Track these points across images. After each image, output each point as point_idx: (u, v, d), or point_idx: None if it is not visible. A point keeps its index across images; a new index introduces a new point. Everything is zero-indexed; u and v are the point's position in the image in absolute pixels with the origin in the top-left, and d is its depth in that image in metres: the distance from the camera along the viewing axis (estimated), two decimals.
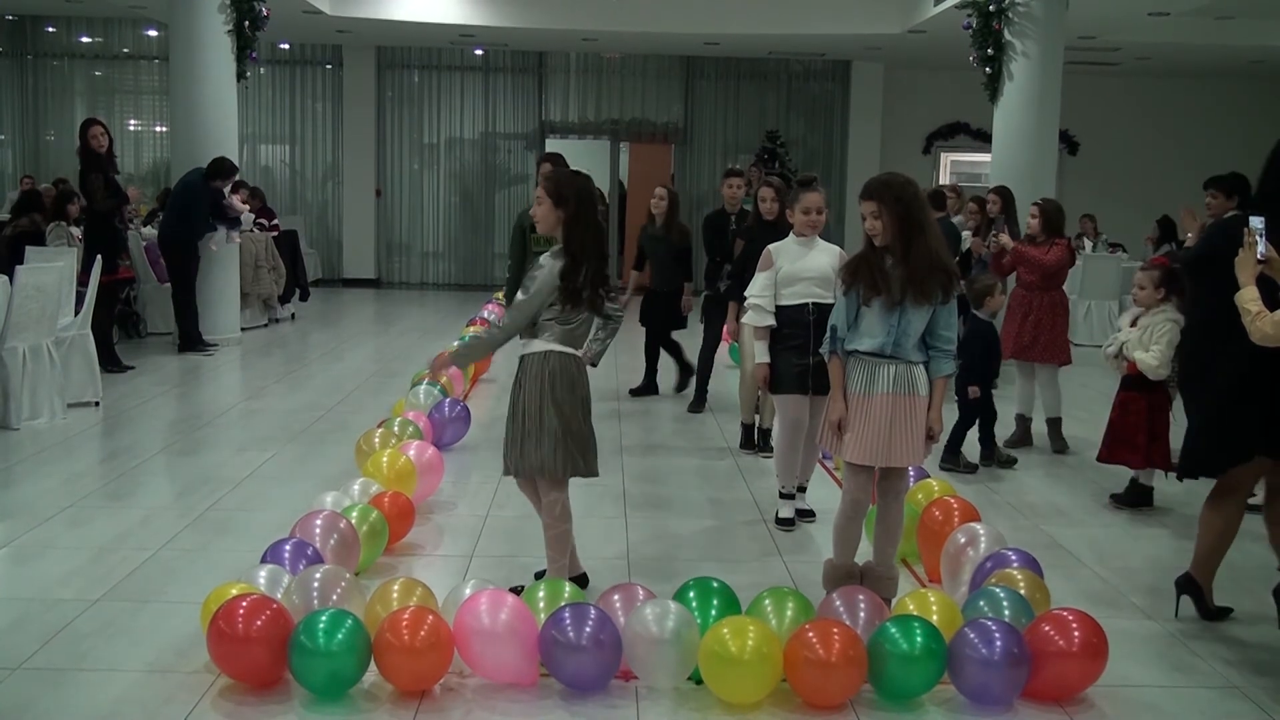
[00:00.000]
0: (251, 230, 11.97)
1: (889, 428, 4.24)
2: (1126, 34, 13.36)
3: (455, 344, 4.41)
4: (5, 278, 7.28)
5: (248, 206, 10.72)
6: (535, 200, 4.36)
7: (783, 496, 5.69)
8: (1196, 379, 6.67)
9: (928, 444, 4.34)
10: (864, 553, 4.62)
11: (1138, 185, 16.73)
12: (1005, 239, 7.78)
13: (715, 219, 8.08)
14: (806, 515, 5.75)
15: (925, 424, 4.28)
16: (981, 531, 4.61)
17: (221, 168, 10.32)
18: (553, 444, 4.24)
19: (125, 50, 16.73)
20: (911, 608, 3.92)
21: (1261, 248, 4.42)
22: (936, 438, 4.35)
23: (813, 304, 5.31)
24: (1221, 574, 5.12)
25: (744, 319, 5.70)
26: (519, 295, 4.30)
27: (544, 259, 4.27)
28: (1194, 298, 6.65)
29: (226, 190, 10.67)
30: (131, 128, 16.86)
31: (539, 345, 4.26)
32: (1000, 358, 6.96)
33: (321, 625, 3.62)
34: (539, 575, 4.40)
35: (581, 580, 4.56)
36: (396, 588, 3.94)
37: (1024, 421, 7.42)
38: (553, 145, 16.93)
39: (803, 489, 5.81)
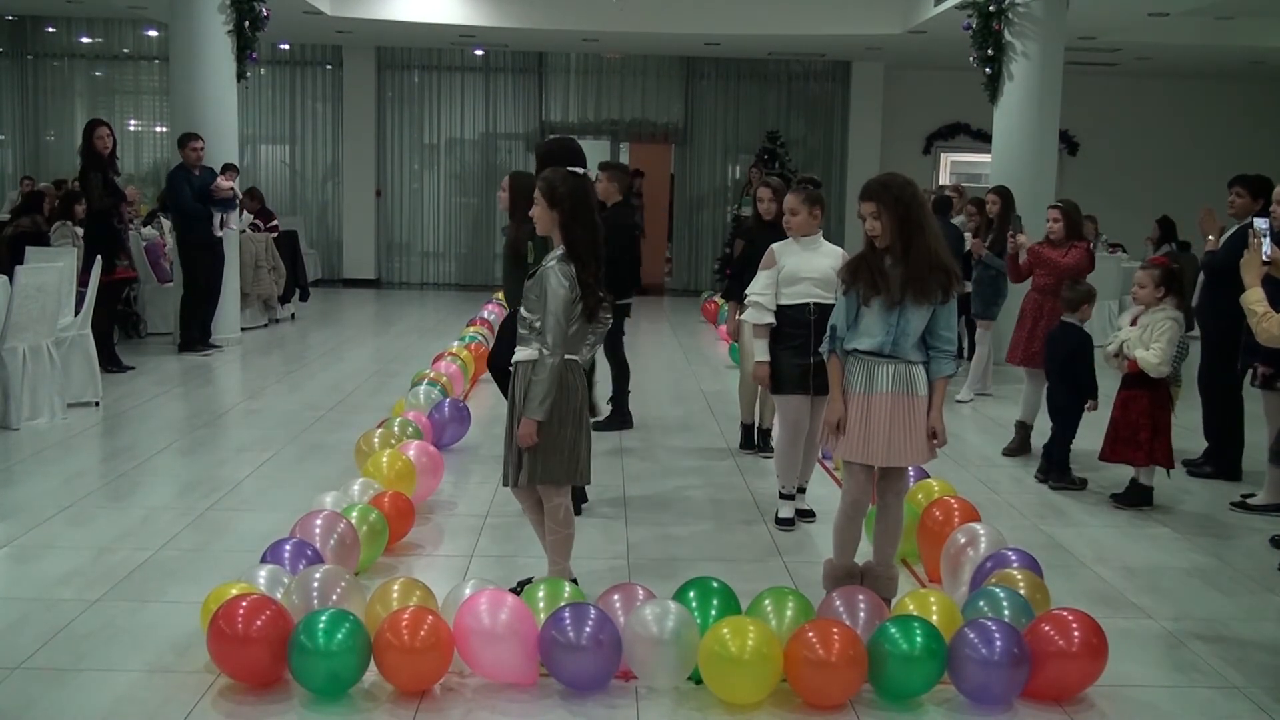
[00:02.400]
0: (247, 230, 11.95)
1: (888, 427, 4.24)
2: (1126, 34, 13.35)
3: (532, 405, 4.19)
4: (5, 278, 7.28)
5: (233, 185, 10.57)
6: (534, 201, 4.34)
7: (783, 497, 5.69)
8: (1219, 383, 6.70)
9: (932, 445, 4.33)
10: (864, 553, 4.62)
11: (1138, 185, 16.74)
12: (1023, 239, 7.52)
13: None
14: (806, 515, 5.75)
15: (926, 424, 4.28)
16: (981, 531, 4.61)
17: (181, 137, 10.25)
18: (550, 454, 4.21)
19: (125, 50, 16.73)
20: (911, 608, 3.92)
21: (1267, 249, 4.43)
22: (943, 439, 4.33)
23: (814, 304, 5.33)
24: (1221, 573, 5.14)
25: (743, 316, 5.70)
26: (547, 319, 4.11)
27: (548, 268, 4.19)
28: (1212, 303, 6.66)
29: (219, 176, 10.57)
30: (131, 128, 16.85)
31: (533, 353, 4.19)
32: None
33: (321, 625, 3.62)
34: (520, 586, 4.36)
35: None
36: (396, 588, 3.94)
37: (1024, 429, 7.31)
38: None
39: (802, 489, 5.81)
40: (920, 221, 4.17)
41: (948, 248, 4.31)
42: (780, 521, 5.64)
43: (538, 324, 4.17)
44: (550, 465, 4.24)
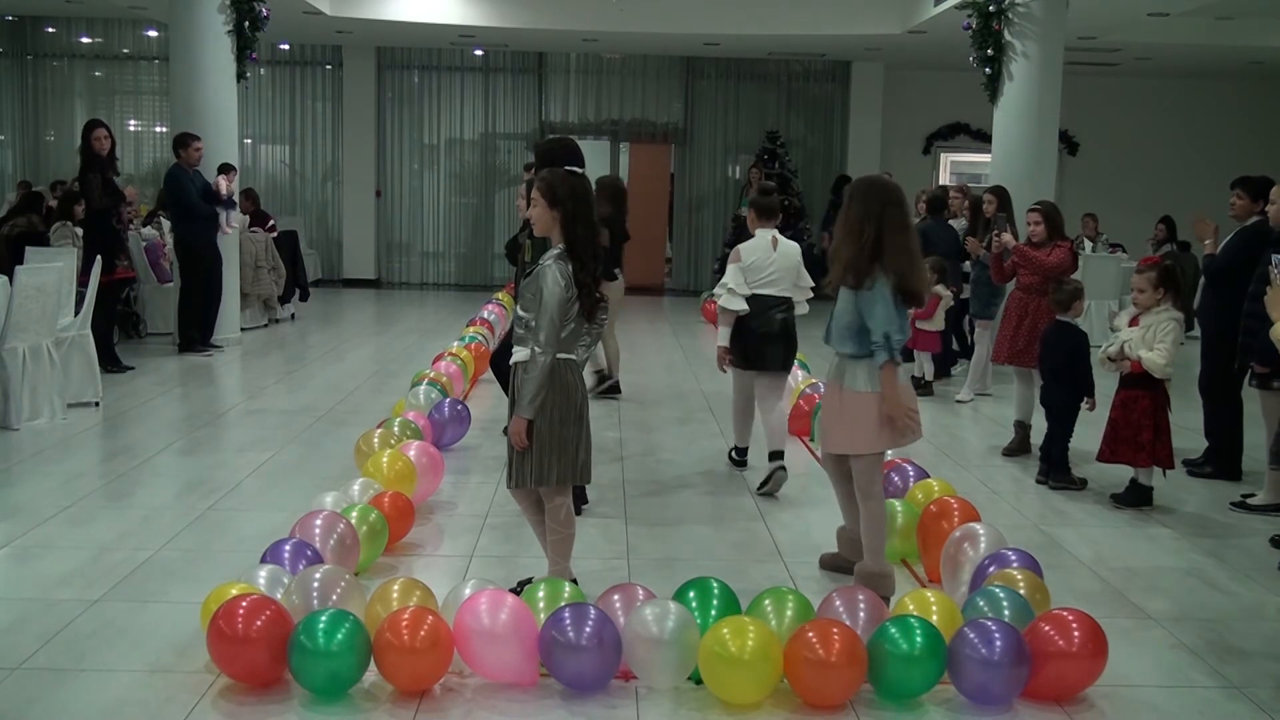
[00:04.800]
0: (245, 232, 11.91)
1: (825, 416, 4.72)
2: (1126, 34, 13.36)
3: (522, 403, 4.20)
4: (5, 278, 7.28)
5: (230, 185, 10.50)
6: (531, 201, 4.33)
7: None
8: (1220, 384, 6.70)
9: (886, 431, 4.45)
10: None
11: (1138, 185, 16.74)
12: (1007, 238, 7.61)
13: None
14: (776, 474, 6.28)
15: (861, 415, 4.46)
16: (981, 531, 4.61)
17: (182, 137, 10.22)
18: (550, 454, 4.21)
19: (125, 50, 16.73)
20: (911, 608, 3.92)
21: None
22: (902, 426, 4.46)
23: (753, 295, 6.13)
24: (1221, 573, 5.14)
25: (720, 302, 6.26)
26: (541, 316, 4.11)
27: (545, 265, 4.19)
28: (1213, 304, 6.67)
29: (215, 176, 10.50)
30: (131, 128, 16.85)
31: (529, 352, 4.18)
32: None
33: (321, 625, 3.62)
34: (520, 586, 4.37)
35: None
36: (396, 588, 3.94)
37: (1022, 429, 7.30)
38: None
39: (778, 454, 6.32)
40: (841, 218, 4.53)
41: (842, 240, 4.48)
42: (732, 459, 6.83)
43: (533, 323, 4.17)
44: (552, 466, 4.23)
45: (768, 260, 6.13)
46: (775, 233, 6.26)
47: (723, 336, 6.23)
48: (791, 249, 6.24)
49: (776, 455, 6.28)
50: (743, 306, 6.10)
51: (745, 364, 6.26)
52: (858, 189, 4.52)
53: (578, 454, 4.28)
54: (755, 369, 6.25)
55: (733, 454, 6.85)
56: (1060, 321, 6.55)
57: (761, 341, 6.14)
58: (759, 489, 6.22)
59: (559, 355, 4.18)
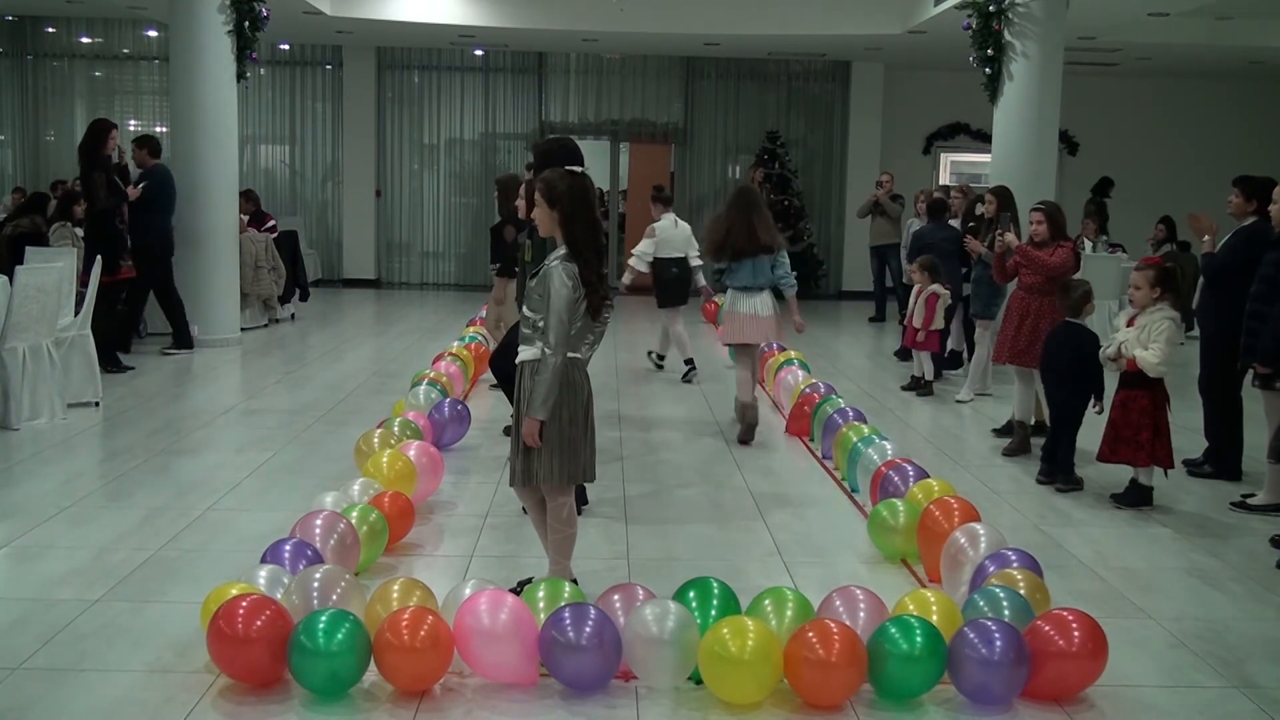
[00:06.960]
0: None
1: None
2: (1126, 34, 13.36)
3: (535, 404, 4.19)
4: (5, 278, 7.28)
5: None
6: (535, 204, 4.33)
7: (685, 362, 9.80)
8: (1220, 384, 6.71)
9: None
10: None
11: (1138, 185, 16.71)
12: (1010, 238, 7.58)
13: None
14: (691, 372, 9.67)
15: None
16: (981, 531, 4.61)
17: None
18: (559, 454, 4.22)
19: (125, 50, 16.72)
20: (911, 608, 3.92)
21: None
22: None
23: (670, 257, 9.73)
24: (1221, 573, 5.14)
25: (630, 262, 9.74)
26: (550, 317, 4.13)
27: (551, 267, 4.20)
28: (1212, 304, 6.66)
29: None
30: (132, 128, 16.82)
31: (536, 353, 4.19)
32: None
33: (321, 625, 3.62)
34: (520, 586, 4.37)
35: None
36: (396, 588, 3.95)
37: (1022, 429, 7.31)
38: None
39: (689, 361, 9.71)
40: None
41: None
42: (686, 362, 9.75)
43: (541, 323, 4.17)
44: (557, 465, 4.24)
45: (670, 236, 9.74)
46: (674, 215, 9.91)
47: (627, 279, 9.83)
48: (685, 227, 9.89)
49: (689, 362, 9.75)
50: (646, 269, 9.67)
51: (664, 303, 9.80)
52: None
53: (582, 453, 4.30)
54: (668, 306, 9.78)
55: (685, 365, 9.79)
56: (1069, 322, 6.52)
57: (669, 287, 9.72)
58: (683, 379, 9.62)
59: (567, 355, 4.19)
